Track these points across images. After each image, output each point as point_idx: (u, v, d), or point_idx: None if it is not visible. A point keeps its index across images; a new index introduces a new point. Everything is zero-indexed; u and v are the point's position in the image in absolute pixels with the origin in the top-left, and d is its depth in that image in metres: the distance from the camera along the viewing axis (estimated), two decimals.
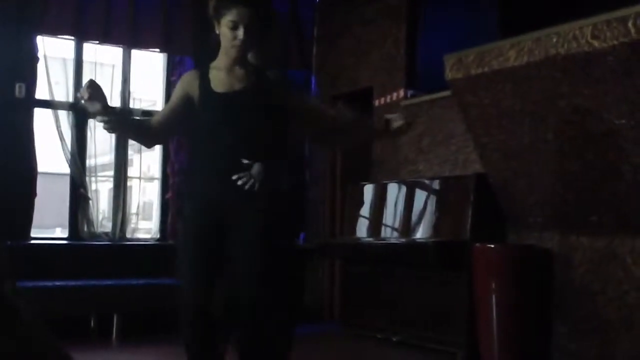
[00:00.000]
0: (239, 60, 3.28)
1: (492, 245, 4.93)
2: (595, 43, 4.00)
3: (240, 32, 3.20)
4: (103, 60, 6.78)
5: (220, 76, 3.31)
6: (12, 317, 2.33)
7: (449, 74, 4.99)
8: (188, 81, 3.37)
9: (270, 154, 3.21)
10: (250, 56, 3.36)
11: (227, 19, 3.21)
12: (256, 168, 3.13)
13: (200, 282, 3.18)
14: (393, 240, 5.82)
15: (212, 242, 3.19)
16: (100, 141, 6.67)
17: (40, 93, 6.40)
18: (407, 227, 5.81)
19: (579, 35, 4.08)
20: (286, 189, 3.31)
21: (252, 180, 3.13)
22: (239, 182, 3.14)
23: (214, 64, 3.34)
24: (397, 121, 3.61)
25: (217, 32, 3.27)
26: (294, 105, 3.38)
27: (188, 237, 3.27)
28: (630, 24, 3.82)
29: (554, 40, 4.23)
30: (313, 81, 7.61)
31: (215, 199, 3.21)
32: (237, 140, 3.20)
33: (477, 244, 4.97)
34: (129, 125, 3.49)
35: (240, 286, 3.12)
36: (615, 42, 3.90)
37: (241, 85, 3.28)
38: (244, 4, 3.21)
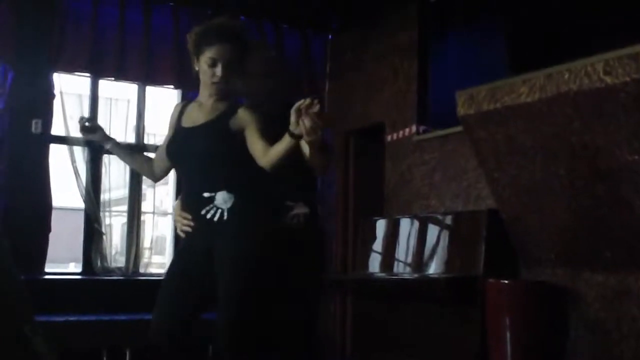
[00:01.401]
0: (218, 96, 3.28)
1: (506, 281, 4.92)
2: (608, 79, 4.02)
3: (219, 70, 3.21)
4: (118, 96, 6.85)
5: (194, 110, 3.34)
6: None
7: (460, 110, 5.02)
8: (171, 115, 3.46)
9: (236, 184, 3.17)
10: (240, 85, 3.36)
11: (206, 55, 3.22)
12: (220, 197, 3.12)
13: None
14: (405, 276, 5.81)
15: (191, 270, 3.21)
16: (115, 176, 6.72)
17: (56, 129, 6.47)
18: (419, 262, 5.81)
19: (591, 71, 4.11)
20: (266, 220, 3.24)
21: (219, 211, 3.12)
22: (207, 216, 3.14)
23: (198, 98, 3.38)
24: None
25: (197, 68, 3.29)
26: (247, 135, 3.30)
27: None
28: None
29: (566, 76, 4.25)
30: None
31: (193, 237, 3.22)
32: (195, 173, 3.21)
33: (491, 280, 4.96)
34: (126, 152, 3.65)
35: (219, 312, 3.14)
36: (627, 79, 3.92)
37: (205, 119, 3.27)
38: (222, 41, 3.21)
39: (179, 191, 6.83)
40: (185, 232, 3.25)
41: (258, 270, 3.11)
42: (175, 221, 3.33)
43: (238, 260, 3.09)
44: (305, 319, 3.36)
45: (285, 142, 3.00)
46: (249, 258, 3.10)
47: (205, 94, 3.32)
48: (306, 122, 2.86)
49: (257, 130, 3.16)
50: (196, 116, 3.30)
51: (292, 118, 2.91)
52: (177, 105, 3.51)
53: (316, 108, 2.87)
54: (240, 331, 3.05)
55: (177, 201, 3.37)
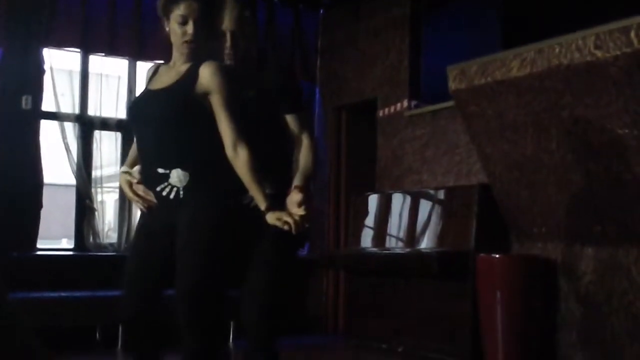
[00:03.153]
0: (190, 56, 3.10)
1: (497, 256, 4.94)
2: (598, 53, 4.02)
3: (190, 27, 3.06)
4: (109, 72, 6.81)
5: (163, 73, 3.19)
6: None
7: (452, 85, 5.01)
8: (145, 79, 3.31)
9: (191, 161, 2.99)
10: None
11: (176, 13, 3.08)
12: (175, 175, 2.96)
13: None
14: (397, 251, 5.83)
15: (152, 247, 3.10)
16: (106, 152, 6.70)
17: (47, 105, 6.44)
18: (411, 237, 5.83)
19: (581, 45, 4.11)
20: (226, 199, 3.07)
21: (174, 189, 2.97)
22: (163, 193, 2.99)
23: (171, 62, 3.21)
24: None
25: (167, 29, 3.14)
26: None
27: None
28: (632, 34, 3.84)
29: (557, 50, 4.25)
30: (317, 93, 7.63)
31: (152, 213, 3.10)
32: (151, 144, 3.03)
33: (482, 255, 4.98)
34: None
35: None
36: (618, 53, 3.92)
37: (169, 82, 3.10)
38: None
39: None
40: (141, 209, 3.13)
41: (214, 244, 3.00)
42: (128, 195, 3.12)
43: (194, 233, 2.97)
44: (265, 303, 3.21)
45: (254, 192, 2.97)
46: (204, 231, 2.97)
47: (176, 56, 3.14)
48: (287, 219, 2.88)
49: (224, 105, 2.99)
50: (163, 79, 3.14)
51: (275, 217, 2.89)
52: (150, 67, 3.34)
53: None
54: (194, 303, 2.96)
55: (126, 175, 3.17)
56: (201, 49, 3.14)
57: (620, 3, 4.68)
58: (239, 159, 2.95)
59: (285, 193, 3.16)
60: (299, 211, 2.95)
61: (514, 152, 4.87)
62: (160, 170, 2.98)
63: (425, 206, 5.80)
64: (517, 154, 4.86)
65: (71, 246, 6.76)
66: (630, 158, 4.20)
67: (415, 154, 6.31)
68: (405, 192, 6.11)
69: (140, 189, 3.08)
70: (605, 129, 4.23)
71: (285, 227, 2.84)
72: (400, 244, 5.92)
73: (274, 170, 3.16)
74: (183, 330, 2.99)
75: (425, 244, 5.65)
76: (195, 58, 3.10)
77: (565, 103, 4.35)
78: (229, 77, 3.04)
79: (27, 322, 2.53)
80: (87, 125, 6.57)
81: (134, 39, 6.70)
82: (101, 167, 6.67)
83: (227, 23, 3.19)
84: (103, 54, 6.69)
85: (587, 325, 4.72)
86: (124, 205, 6.74)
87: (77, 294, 5.91)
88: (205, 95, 3.02)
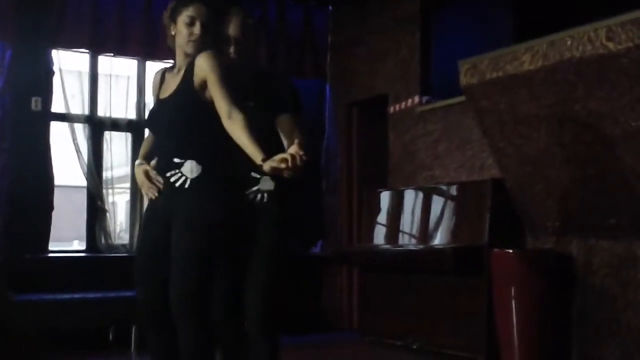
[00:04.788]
0: (194, 55, 3.20)
1: (511, 251, 4.90)
2: (610, 45, 3.98)
3: (197, 28, 3.18)
4: (118, 73, 6.81)
5: (169, 79, 3.30)
6: None
7: (463, 80, 4.98)
8: (153, 84, 3.44)
9: (206, 154, 3.12)
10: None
11: (184, 14, 3.20)
12: (188, 165, 3.09)
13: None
14: (411, 247, 5.80)
15: (159, 239, 3.17)
16: (117, 153, 6.70)
17: (56, 106, 6.44)
18: (424, 233, 5.80)
19: (593, 37, 4.07)
20: (227, 190, 3.16)
21: (183, 177, 3.09)
22: (172, 179, 3.12)
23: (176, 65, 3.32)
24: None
25: (173, 33, 3.25)
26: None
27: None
28: None
29: (569, 43, 4.21)
30: (328, 89, 7.61)
31: (157, 203, 3.20)
32: (168, 140, 3.17)
33: (496, 250, 4.95)
34: None
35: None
36: (630, 44, 3.88)
37: (175, 86, 3.22)
38: (199, 1, 3.21)
39: None
40: (151, 197, 3.23)
41: (205, 236, 3.06)
42: (143, 184, 3.23)
43: (186, 223, 3.06)
44: (267, 294, 3.22)
45: (250, 150, 2.92)
46: (197, 222, 3.06)
47: (180, 58, 3.26)
48: (290, 169, 2.79)
49: (218, 81, 3.06)
50: (170, 85, 3.27)
51: (274, 164, 2.79)
52: (156, 73, 3.46)
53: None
54: (182, 294, 3.03)
55: (144, 165, 3.28)
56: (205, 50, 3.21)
57: None
58: (234, 122, 2.99)
59: (284, 189, 3.28)
60: (295, 149, 2.83)
61: (526, 146, 4.83)
62: (176, 160, 3.12)
63: (437, 202, 5.77)
64: (530, 148, 4.82)
65: (83, 247, 6.76)
66: None
67: (427, 150, 6.28)
68: (417, 188, 6.07)
69: (152, 175, 3.20)
70: (618, 121, 4.19)
71: (282, 165, 2.76)
72: (413, 240, 5.89)
73: (273, 179, 3.23)
74: (176, 322, 3.05)
75: (439, 240, 5.61)
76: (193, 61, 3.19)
77: (578, 96, 4.31)
78: (220, 60, 3.12)
79: (40, 323, 2.54)
80: (97, 126, 6.57)
81: (143, 39, 6.69)
82: (112, 167, 6.66)
83: (232, 30, 3.29)
84: (112, 55, 6.68)
85: (602, 319, 4.69)
86: (135, 205, 6.74)
87: (90, 295, 5.91)
88: (204, 86, 3.12)
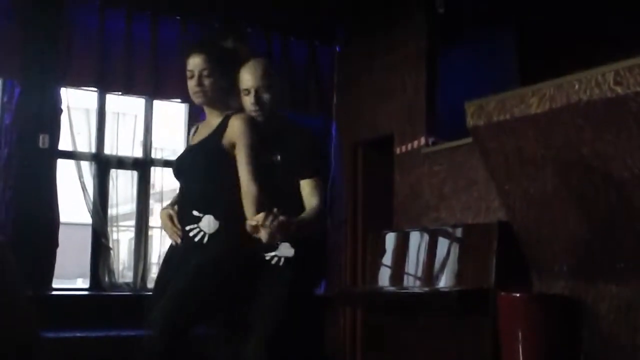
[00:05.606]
0: (214, 111, 3.26)
1: (518, 294, 4.86)
2: (618, 89, 3.98)
3: (194, 81, 3.20)
4: (125, 111, 6.84)
5: (201, 128, 3.35)
6: None
7: (470, 121, 4.97)
8: (190, 137, 3.49)
9: (223, 210, 3.12)
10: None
11: (187, 69, 3.23)
12: (206, 221, 3.09)
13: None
14: (415, 289, 5.75)
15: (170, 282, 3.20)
16: (122, 191, 6.71)
17: (63, 144, 6.46)
18: (429, 275, 5.76)
19: (601, 81, 4.06)
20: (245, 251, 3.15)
21: (201, 233, 3.11)
22: (190, 234, 3.13)
23: None
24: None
25: None
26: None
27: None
28: None
29: (576, 86, 4.21)
30: (333, 128, 7.62)
31: (177, 250, 3.23)
32: (189, 190, 3.20)
33: (503, 293, 4.90)
34: None
35: None
36: (638, 88, 3.87)
37: (201, 137, 3.27)
38: (195, 52, 3.22)
39: None
40: (174, 242, 3.27)
41: (207, 282, 3.08)
42: (167, 228, 3.28)
43: (194, 267, 3.07)
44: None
45: (246, 209, 3.02)
46: (203, 269, 3.07)
47: (208, 111, 3.32)
48: (262, 234, 2.86)
49: (245, 151, 3.11)
50: (201, 133, 3.31)
51: (247, 227, 2.89)
52: (193, 127, 3.53)
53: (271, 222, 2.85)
54: (172, 334, 3.07)
55: (168, 209, 3.31)
56: (225, 102, 3.25)
57: (638, 39, 4.66)
58: (249, 192, 3.03)
59: (304, 256, 3.23)
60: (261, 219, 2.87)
61: (533, 188, 4.81)
62: (195, 213, 3.13)
63: (443, 244, 5.74)
64: (537, 190, 4.80)
65: (86, 285, 6.74)
66: None
67: (433, 191, 6.26)
68: (423, 229, 6.05)
69: (175, 222, 3.24)
70: (626, 164, 4.17)
71: (251, 230, 2.87)
72: (419, 282, 5.85)
73: (296, 236, 3.15)
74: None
75: (444, 282, 5.57)
76: (225, 110, 3.24)
77: (586, 139, 4.30)
78: (254, 127, 3.15)
79: None
80: (103, 164, 6.59)
81: (151, 77, 6.73)
82: (117, 205, 6.67)
83: (251, 81, 3.24)
84: (120, 93, 6.71)
85: None
86: (139, 244, 6.73)
87: (93, 333, 5.87)
88: (232, 146, 3.14)
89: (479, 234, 5.44)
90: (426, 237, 5.91)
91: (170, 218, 3.24)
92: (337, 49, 7.70)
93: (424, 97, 6.54)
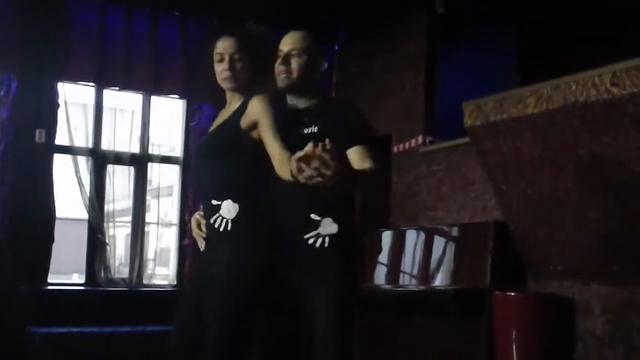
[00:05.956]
0: (236, 95, 3.13)
1: (513, 294, 4.87)
2: (615, 90, 3.98)
3: (225, 64, 3.06)
4: (123, 106, 6.83)
5: (220, 115, 3.22)
6: None
7: (467, 121, 4.98)
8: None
9: (242, 193, 2.98)
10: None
11: (215, 52, 3.09)
12: (225, 206, 2.96)
13: None
14: (411, 288, 5.76)
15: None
16: (119, 186, 6.70)
17: (60, 139, 6.45)
18: (425, 274, 5.76)
19: (598, 82, 4.07)
20: (273, 235, 2.96)
21: (224, 220, 2.97)
22: (215, 225, 3.00)
23: None
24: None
25: None
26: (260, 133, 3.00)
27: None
28: None
29: (573, 87, 4.21)
30: None
31: (207, 248, 3.11)
32: (208, 179, 3.10)
33: (498, 292, 4.91)
34: None
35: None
36: (635, 90, 3.88)
37: (221, 120, 3.15)
38: (225, 34, 3.09)
39: (184, 203, 6.91)
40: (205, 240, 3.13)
41: (245, 286, 2.94)
42: (194, 233, 3.17)
43: (225, 271, 2.94)
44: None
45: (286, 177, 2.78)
46: (236, 264, 2.94)
47: (228, 95, 3.17)
48: (306, 171, 2.51)
49: (270, 125, 2.94)
50: (219, 119, 3.19)
51: (292, 165, 2.56)
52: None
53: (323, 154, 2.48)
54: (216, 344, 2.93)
55: (198, 215, 3.20)
56: (250, 88, 3.10)
57: (637, 40, 4.66)
58: (283, 158, 2.84)
59: (348, 234, 3.01)
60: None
61: (530, 189, 4.82)
62: (214, 202, 3.02)
63: (439, 243, 5.74)
64: (534, 191, 4.80)
65: (82, 281, 6.73)
66: None
67: (430, 190, 6.26)
68: (419, 228, 6.05)
69: (201, 225, 3.12)
70: (622, 166, 4.17)
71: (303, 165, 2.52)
72: (415, 281, 5.85)
73: (336, 210, 2.99)
74: None
75: (440, 281, 5.57)
76: (248, 94, 3.08)
77: (582, 140, 4.30)
78: (275, 105, 3.02)
79: (39, 357, 2.53)
80: (100, 159, 6.58)
81: (149, 73, 6.72)
82: (113, 201, 6.66)
83: (283, 45, 3.13)
84: (117, 88, 6.71)
85: None
86: (135, 239, 6.72)
87: (88, 329, 5.86)
88: (252, 127, 3.01)
89: (475, 233, 5.45)
90: (422, 236, 5.92)
91: (198, 224, 3.13)
92: (336, 48, 7.69)
93: (422, 96, 6.54)
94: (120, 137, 6.73)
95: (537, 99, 4.44)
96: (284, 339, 3.09)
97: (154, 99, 6.88)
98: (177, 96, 7.00)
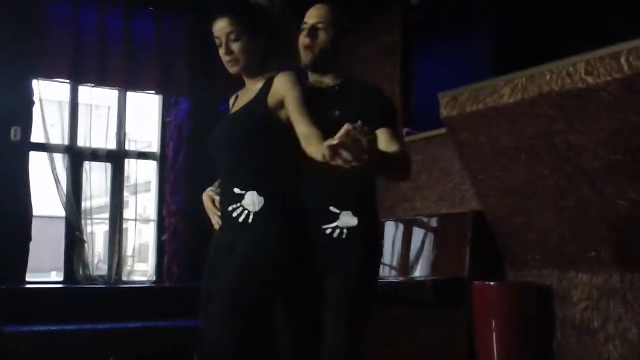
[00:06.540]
0: (252, 77, 2.97)
1: (492, 283, 4.90)
2: (589, 79, 4.01)
3: (222, 48, 2.90)
4: (98, 103, 6.79)
5: (241, 97, 3.05)
6: None
7: (444, 112, 4.99)
8: (230, 106, 3.16)
9: (269, 185, 2.83)
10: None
11: (214, 36, 2.93)
12: (249, 198, 2.80)
13: None
14: (391, 279, 5.77)
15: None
16: (96, 183, 6.66)
17: (36, 136, 6.40)
18: (404, 265, 5.77)
19: (572, 71, 4.09)
20: (295, 228, 2.83)
21: (245, 212, 2.81)
22: (234, 214, 2.84)
23: None
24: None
25: None
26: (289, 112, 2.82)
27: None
28: (622, 60, 3.83)
29: (548, 77, 4.24)
30: None
31: (220, 235, 2.96)
32: (229, 166, 2.91)
33: (476, 282, 4.93)
34: None
35: None
36: (609, 78, 3.90)
37: (243, 102, 2.96)
38: (216, 18, 2.91)
39: (162, 199, 6.88)
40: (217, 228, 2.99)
41: (260, 278, 2.79)
42: (208, 210, 2.99)
43: (243, 254, 2.79)
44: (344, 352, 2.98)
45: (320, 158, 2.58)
46: (253, 253, 2.78)
47: (245, 79, 3.01)
48: (344, 154, 2.34)
49: (298, 101, 2.77)
50: (241, 101, 3.00)
51: (326, 150, 2.39)
52: (232, 97, 3.17)
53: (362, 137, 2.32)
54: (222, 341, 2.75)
55: (210, 191, 3.04)
56: (264, 65, 2.96)
57: (610, 29, 4.68)
58: (312, 143, 2.65)
59: (370, 226, 2.96)
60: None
61: (507, 178, 4.84)
62: (237, 191, 2.85)
63: (418, 234, 5.76)
64: (510, 181, 4.83)
65: (61, 278, 6.69)
66: (623, 183, 4.17)
67: (408, 181, 6.26)
68: (397, 219, 6.06)
69: (217, 205, 2.97)
70: (598, 154, 4.20)
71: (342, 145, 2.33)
72: (394, 272, 5.86)
73: (359, 199, 2.94)
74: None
75: (419, 272, 5.60)
76: (269, 73, 2.94)
77: (558, 129, 4.33)
78: (302, 82, 2.88)
79: (17, 355, 2.48)
80: (76, 156, 6.53)
81: (124, 69, 6.68)
82: (91, 198, 6.61)
83: (308, 17, 3.02)
84: (93, 85, 6.66)
85: (583, 352, 4.67)
86: (114, 236, 6.69)
87: (67, 326, 5.83)
88: (279, 106, 2.85)
89: (453, 224, 5.47)
90: (401, 227, 5.93)
91: (212, 200, 2.97)
92: None
93: (398, 88, 6.55)
94: (97, 133, 6.67)
95: (512, 88, 4.46)
96: (300, 332, 3.04)
97: (130, 95, 6.85)
98: (153, 92, 6.97)
